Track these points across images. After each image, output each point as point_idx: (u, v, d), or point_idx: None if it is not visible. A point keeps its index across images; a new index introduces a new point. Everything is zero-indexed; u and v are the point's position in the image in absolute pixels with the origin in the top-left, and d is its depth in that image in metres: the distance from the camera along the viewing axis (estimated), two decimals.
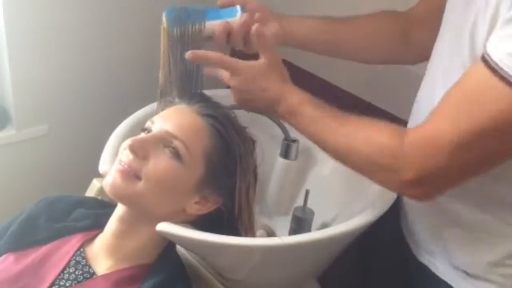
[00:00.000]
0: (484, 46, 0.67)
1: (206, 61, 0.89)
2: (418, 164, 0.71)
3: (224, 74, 0.88)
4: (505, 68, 0.63)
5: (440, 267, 0.89)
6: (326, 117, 0.82)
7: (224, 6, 0.96)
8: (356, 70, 1.38)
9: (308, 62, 1.44)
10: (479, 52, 0.69)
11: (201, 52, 0.88)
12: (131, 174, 0.80)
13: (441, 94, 0.73)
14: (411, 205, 0.93)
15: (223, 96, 0.92)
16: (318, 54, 1.06)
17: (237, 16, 0.94)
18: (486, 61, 0.65)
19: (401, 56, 1.06)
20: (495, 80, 0.64)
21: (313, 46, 1.04)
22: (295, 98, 0.85)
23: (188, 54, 0.86)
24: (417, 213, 0.92)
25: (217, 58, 0.87)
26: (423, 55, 0.93)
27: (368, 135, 0.77)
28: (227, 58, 0.87)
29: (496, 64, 0.64)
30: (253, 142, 0.91)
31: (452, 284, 0.87)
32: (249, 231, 0.92)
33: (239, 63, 0.86)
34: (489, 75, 0.64)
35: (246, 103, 0.89)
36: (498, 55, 0.64)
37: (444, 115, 0.70)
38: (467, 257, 0.85)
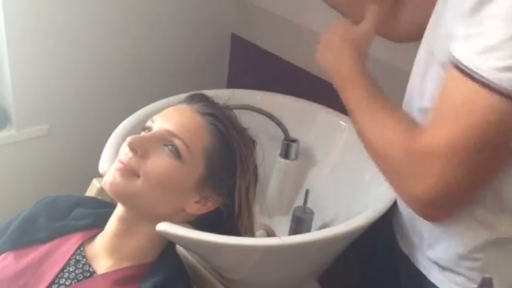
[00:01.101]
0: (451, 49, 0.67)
1: None
2: (431, 180, 0.68)
3: None
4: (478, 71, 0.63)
5: (419, 259, 0.90)
6: (368, 100, 0.81)
7: None
8: None
9: (303, 60, 1.45)
10: None
11: None
12: (129, 172, 0.80)
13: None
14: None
15: (223, 96, 0.92)
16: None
17: None
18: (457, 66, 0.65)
19: (390, 30, 1.07)
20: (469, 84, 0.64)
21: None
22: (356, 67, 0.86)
23: None
24: (402, 206, 0.93)
25: None
26: (410, 35, 0.97)
27: (389, 132, 0.76)
28: None
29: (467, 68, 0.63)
30: (253, 142, 0.91)
31: (428, 276, 0.88)
32: (249, 231, 0.92)
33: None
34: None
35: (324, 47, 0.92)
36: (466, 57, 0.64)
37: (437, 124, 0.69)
38: (440, 250, 0.85)
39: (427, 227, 0.86)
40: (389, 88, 0.85)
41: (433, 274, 0.88)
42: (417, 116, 0.84)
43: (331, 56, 0.90)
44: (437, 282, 0.87)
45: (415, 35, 0.93)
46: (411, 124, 0.77)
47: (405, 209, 0.91)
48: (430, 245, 0.87)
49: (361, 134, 0.80)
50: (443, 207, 0.72)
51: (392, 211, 0.96)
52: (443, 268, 0.86)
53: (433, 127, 0.69)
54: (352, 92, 0.83)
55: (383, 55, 1.26)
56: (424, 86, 0.82)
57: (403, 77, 0.91)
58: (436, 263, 0.86)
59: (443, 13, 0.77)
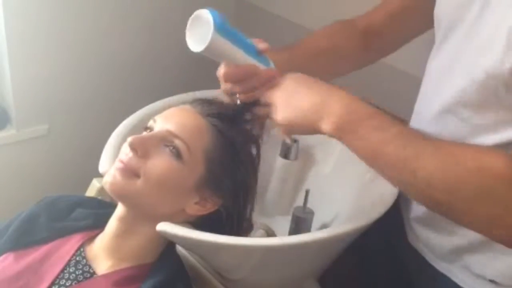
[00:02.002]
0: None
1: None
2: None
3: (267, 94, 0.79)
4: None
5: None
6: (415, 138, 0.68)
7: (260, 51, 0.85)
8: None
9: None
10: None
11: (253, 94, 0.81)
12: (130, 172, 0.80)
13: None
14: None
15: (223, 97, 0.92)
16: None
17: (269, 67, 0.85)
18: None
19: (362, 63, 1.04)
20: None
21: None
22: (356, 103, 0.71)
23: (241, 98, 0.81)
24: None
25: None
26: (384, 55, 0.95)
27: (486, 164, 0.64)
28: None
29: None
30: (255, 143, 0.91)
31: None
32: (249, 231, 0.92)
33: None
34: None
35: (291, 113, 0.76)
36: None
37: None
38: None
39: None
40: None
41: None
42: (432, 122, 0.83)
43: (310, 103, 0.74)
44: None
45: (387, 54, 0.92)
46: (486, 147, 0.69)
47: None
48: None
49: (411, 178, 0.66)
50: None
51: (389, 212, 0.95)
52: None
53: None
54: (378, 133, 0.69)
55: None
56: (445, 85, 0.80)
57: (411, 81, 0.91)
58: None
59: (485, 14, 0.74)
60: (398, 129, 0.68)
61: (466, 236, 0.86)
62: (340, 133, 0.72)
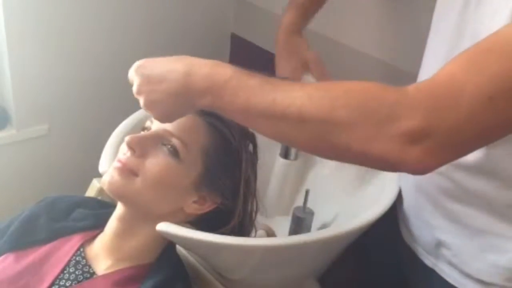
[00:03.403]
0: None
1: None
2: (427, 110, 0.57)
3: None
4: None
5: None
6: (281, 83, 0.64)
7: None
8: (357, 70, 1.38)
9: None
10: None
11: None
12: (128, 171, 0.80)
13: None
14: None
15: None
16: None
17: None
18: None
19: None
20: None
21: None
22: (220, 68, 0.66)
23: None
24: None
25: None
26: None
27: (356, 85, 0.61)
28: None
29: None
30: (253, 141, 0.91)
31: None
32: (249, 231, 0.92)
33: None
34: None
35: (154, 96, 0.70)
36: None
37: (463, 64, 0.60)
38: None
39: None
40: None
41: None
42: None
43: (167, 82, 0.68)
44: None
45: None
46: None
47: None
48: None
49: (306, 109, 0.61)
50: (448, 150, 0.60)
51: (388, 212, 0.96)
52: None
53: (457, 65, 0.60)
54: (242, 91, 0.64)
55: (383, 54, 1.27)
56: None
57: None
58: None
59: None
60: (259, 79, 0.64)
61: (445, 230, 0.87)
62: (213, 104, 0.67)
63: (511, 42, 0.57)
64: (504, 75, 0.57)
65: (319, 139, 0.62)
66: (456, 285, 0.88)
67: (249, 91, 0.64)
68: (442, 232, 0.88)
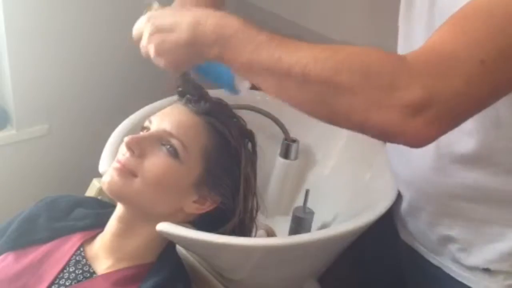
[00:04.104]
0: None
1: None
2: (426, 80, 0.57)
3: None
4: None
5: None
6: (288, 41, 0.64)
7: None
8: None
9: None
10: None
11: None
12: (127, 172, 0.80)
13: None
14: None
15: (222, 96, 0.92)
16: None
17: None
18: None
19: None
20: None
21: None
22: (228, 19, 0.67)
23: None
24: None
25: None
26: None
27: (359, 49, 0.61)
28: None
29: None
30: (252, 139, 0.91)
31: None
32: (249, 231, 0.92)
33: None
34: None
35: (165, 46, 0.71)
36: None
37: (450, 30, 0.60)
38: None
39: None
40: None
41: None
42: None
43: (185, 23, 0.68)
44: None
45: None
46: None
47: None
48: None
49: (311, 68, 0.60)
50: (449, 118, 0.59)
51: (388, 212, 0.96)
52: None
53: (450, 32, 0.60)
54: (249, 44, 0.64)
55: None
56: None
57: None
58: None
59: None
60: (266, 34, 0.64)
61: (452, 226, 0.87)
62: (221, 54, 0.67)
63: (491, 3, 0.58)
64: (490, 38, 0.57)
65: (320, 102, 0.62)
66: (459, 279, 0.89)
67: (256, 45, 0.64)
68: (446, 228, 0.89)
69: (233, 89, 0.81)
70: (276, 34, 0.65)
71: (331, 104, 0.61)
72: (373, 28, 1.30)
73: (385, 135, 0.61)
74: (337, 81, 0.59)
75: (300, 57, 0.61)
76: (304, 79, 0.61)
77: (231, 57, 0.66)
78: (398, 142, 0.61)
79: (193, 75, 0.82)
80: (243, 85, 0.80)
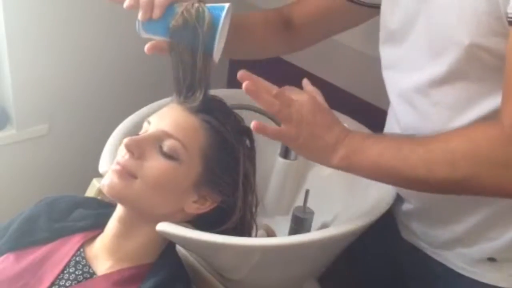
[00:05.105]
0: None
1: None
2: None
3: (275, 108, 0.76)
4: None
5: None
6: (401, 141, 0.75)
7: None
8: (356, 69, 1.38)
9: (303, 60, 1.44)
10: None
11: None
12: (127, 174, 0.80)
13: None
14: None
15: (223, 96, 0.92)
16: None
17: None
18: None
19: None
20: None
21: None
22: (358, 135, 0.78)
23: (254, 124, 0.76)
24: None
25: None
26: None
27: (463, 137, 0.71)
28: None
29: None
30: (249, 136, 0.90)
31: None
32: (249, 231, 0.92)
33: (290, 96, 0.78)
34: None
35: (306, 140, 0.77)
36: None
37: None
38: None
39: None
40: None
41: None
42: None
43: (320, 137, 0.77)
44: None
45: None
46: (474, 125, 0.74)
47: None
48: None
49: (416, 175, 0.72)
50: None
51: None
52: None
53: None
54: (376, 147, 0.75)
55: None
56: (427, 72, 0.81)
57: None
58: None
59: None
60: (389, 137, 0.76)
61: (461, 224, 0.88)
62: (348, 166, 0.79)
63: None
64: None
65: (449, 191, 0.75)
66: (463, 273, 0.90)
67: (380, 148, 0.75)
68: (453, 226, 0.89)
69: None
70: (392, 135, 0.81)
71: (460, 192, 0.73)
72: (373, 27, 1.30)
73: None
74: (458, 177, 0.70)
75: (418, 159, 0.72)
76: (426, 181, 0.72)
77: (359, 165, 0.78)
78: None
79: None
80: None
